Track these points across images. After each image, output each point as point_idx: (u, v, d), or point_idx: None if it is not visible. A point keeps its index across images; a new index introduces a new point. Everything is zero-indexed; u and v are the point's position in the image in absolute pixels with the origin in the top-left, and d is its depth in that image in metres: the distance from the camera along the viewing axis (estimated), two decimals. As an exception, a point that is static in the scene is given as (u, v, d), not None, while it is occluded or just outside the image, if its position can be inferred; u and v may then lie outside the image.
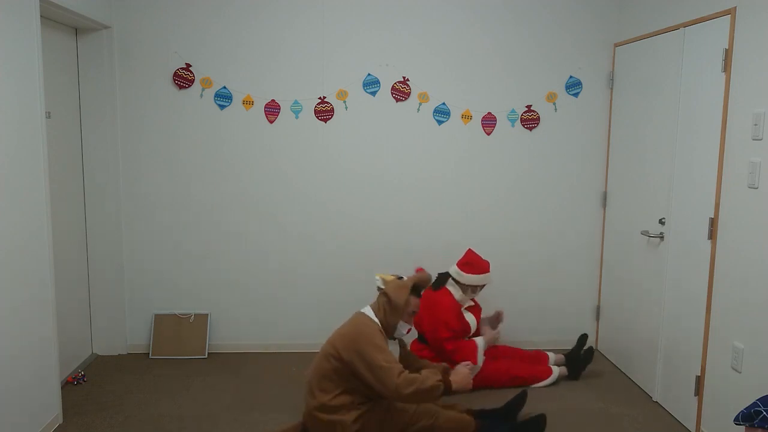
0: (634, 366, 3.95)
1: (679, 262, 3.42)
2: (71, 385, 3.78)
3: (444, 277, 3.93)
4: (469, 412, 3.22)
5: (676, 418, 3.47)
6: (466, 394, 3.69)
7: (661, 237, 3.58)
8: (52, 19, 3.63)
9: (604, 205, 4.42)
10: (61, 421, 3.34)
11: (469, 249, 3.97)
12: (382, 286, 3.07)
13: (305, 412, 3.06)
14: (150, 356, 4.26)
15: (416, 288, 3.11)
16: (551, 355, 4.09)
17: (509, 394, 3.53)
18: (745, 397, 2.85)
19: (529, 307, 4.50)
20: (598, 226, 4.45)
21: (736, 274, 2.94)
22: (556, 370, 3.92)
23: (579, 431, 3.32)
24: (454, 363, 3.68)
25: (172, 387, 3.81)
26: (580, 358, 3.99)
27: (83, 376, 3.84)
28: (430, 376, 2.87)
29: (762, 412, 1.90)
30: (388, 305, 3.01)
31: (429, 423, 2.99)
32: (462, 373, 3.01)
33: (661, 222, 3.59)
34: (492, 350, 3.97)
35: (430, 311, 3.82)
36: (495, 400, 3.56)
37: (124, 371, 4.02)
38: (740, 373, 2.91)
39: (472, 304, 3.96)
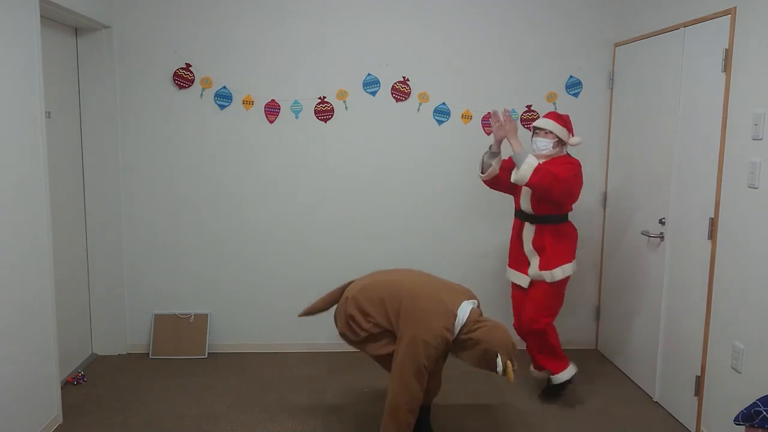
0: (634, 366, 3.95)
1: (679, 262, 3.42)
2: (71, 385, 3.77)
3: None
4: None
5: (676, 418, 3.47)
6: (463, 384, 3.75)
7: (661, 237, 3.58)
8: (52, 19, 3.63)
9: (604, 205, 4.42)
10: (61, 421, 3.34)
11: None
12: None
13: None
14: (150, 356, 4.26)
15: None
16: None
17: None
18: (745, 397, 2.85)
19: (529, 307, 4.50)
20: (598, 226, 4.45)
21: (736, 274, 2.94)
22: (573, 367, 3.65)
23: (579, 431, 3.32)
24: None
25: (172, 387, 3.80)
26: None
27: (83, 376, 3.84)
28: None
29: (762, 412, 1.89)
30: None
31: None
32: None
33: (661, 222, 3.59)
34: None
35: None
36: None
37: (124, 371, 4.02)
38: (740, 373, 2.91)
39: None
